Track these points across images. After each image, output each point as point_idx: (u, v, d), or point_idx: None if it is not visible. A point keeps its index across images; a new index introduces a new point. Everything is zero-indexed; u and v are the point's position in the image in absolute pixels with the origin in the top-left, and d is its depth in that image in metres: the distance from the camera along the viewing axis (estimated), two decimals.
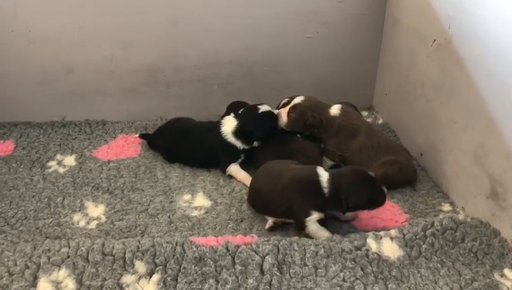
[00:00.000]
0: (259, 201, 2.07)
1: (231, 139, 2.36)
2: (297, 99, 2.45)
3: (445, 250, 1.85)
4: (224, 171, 2.38)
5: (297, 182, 1.95)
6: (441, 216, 2.03)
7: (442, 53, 2.28)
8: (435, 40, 2.33)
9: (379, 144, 2.36)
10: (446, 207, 2.20)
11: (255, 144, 2.38)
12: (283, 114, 2.43)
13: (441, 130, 2.32)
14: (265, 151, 2.37)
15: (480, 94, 2.00)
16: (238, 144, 2.36)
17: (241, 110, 2.42)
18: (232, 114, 2.41)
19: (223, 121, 2.41)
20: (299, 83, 2.68)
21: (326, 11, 2.80)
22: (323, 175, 1.91)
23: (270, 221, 2.04)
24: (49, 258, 1.70)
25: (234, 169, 2.37)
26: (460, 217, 1.98)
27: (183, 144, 2.43)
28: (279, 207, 1.95)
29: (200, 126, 2.49)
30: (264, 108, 2.37)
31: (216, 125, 2.40)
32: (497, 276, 1.76)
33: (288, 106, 2.44)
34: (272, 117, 2.38)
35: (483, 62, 1.98)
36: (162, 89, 2.86)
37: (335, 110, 2.45)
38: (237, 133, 2.35)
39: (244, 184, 2.32)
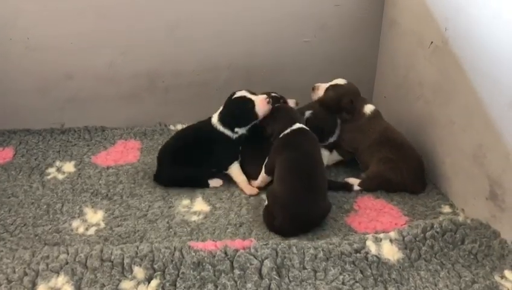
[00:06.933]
0: None
1: (220, 127, 2.33)
2: (340, 81, 2.45)
3: (445, 252, 1.85)
4: (226, 168, 2.36)
5: None
6: (441, 218, 2.02)
7: (440, 55, 2.28)
8: (432, 42, 2.33)
9: (388, 141, 2.35)
10: (446, 209, 2.20)
11: (238, 131, 2.32)
12: (321, 89, 2.43)
13: (439, 131, 2.32)
14: (249, 150, 2.38)
15: (478, 95, 2.00)
16: (227, 132, 2.33)
17: None
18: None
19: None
20: (298, 87, 2.67)
21: (323, 15, 2.81)
22: None
23: None
24: (47, 264, 1.70)
25: (236, 168, 2.36)
26: (460, 218, 1.98)
27: (197, 154, 2.34)
28: None
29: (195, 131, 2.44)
30: (239, 93, 2.32)
31: (208, 120, 2.39)
32: (497, 278, 1.75)
33: (328, 84, 2.44)
34: (245, 101, 2.29)
35: (480, 63, 1.98)
36: (161, 94, 2.87)
37: (368, 109, 2.43)
38: (221, 119, 2.34)
39: (241, 188, 2.33)
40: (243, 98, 2.30)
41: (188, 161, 2.33)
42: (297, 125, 2.21)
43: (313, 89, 2.48)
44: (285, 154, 2.12)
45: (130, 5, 2.63)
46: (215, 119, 2.35)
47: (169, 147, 2.41)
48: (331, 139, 2.50)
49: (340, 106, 2.41)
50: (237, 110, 2.29)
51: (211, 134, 2.34)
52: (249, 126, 2.34)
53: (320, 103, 2.45)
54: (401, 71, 2.68)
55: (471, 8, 2.03)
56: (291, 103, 2.53)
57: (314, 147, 2.17)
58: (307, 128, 2.23)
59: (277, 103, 2.43)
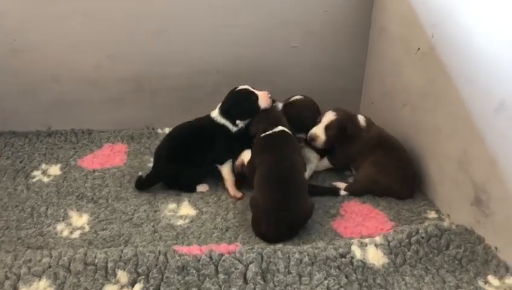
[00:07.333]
0: None
1: (220, 119, 2.35)
2: (331, 116, 2.41)
3: (430, 257, 1.86)
4: (222, 162, 2.36)
5: None
6: (426, 223, 2.03)
7: (427, 61, 2.29)
8: (419, 49, 2.35)
9: (381, 144, 2.37)
10: (432, 214, 2.21)
11: (239, 124, 2.35)
12: (320, 134, 2.40)
13: (426, 138, 2.34)
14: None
15: (464, 101, 2.02)
16: (228, 124, 2.35)
17: None
18: None
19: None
20: (286, 92, 2.67)
21: (312, 21, 2.82)
22: None
23: None
24: (29, 268, 1.68)
25: (229, 166, 2.36)
26: (445, 224, 1.98)
27: (195, 151, 2.33)
28: None
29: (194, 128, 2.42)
30: (241, 87, 2.37)
31: (206, 116, 2.41)
32: (481, 283, 1.76)
33: (322, 125, 2.40)
34: (248, 93, 2.35)
35: (466, 70, 2.00)
36: (148, 97, 2.86)
37: (362, 121, 2.45)
38: (222, 111, 2.36)
39: (227, 187, 2.34)
40: (247, 90, 2.36)
41: (185, 158, 2.31)
42: (280, 128, 2.23)
43: (312, 139, 2.41)
44: (263, 158, 2.14)
45: (117, 8, 2.62)
46: (215, 113, 2.37)
47: (166, 145, 2.39)
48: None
49: (346, 136, 2.40)
50: (241, 102, 2.34)
51: (210, 128, 2.35)
52: (248, 120, 2.36)
53: (327, 144, 2.41)
54: (388, 77, 2.69)
55: (458, 15, 2.05)
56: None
57: (292, 150, 2.18)
58: (288, 131, 2.25)
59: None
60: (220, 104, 2.39)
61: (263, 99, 2.34)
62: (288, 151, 2.16)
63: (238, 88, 2.38)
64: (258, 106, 2.34)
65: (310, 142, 2.43)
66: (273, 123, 2.25)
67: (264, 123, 2.27)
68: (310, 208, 2.07)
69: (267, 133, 2.23)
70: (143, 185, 2.33)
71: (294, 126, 2.37)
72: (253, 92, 2.35)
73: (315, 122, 2.46)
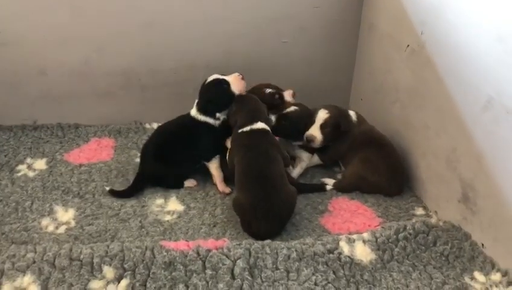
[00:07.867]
0: None
1: (201, 117, 2.30)
2: (323, 114, 2.39)
3: (417, 254, 1.86)
4: (209, 159, 2.32)
5: None
6: (414, 220, 2.04)
7: (416, 58, 2.30)
8: (408, 46, 2.35)
9: (370, 141, 2.38)
10: (419, 211, 2.22)
11: (220, 116, 2.29)
12: (315, 134, 2.37)
13: (414, 135, 2.34)
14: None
15: (452, 99, 2.02)
16: (209, 120, 2.30)
17: None
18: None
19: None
20: None
21: (302, 16, 2.80)
22: None
23: None
24: (13, 263, 1.65)
25: (216, 162, 2.32)
26: (433, 220, 2.00)
27: (181, 151, 2.30)
28: None
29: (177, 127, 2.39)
30: (211, 78, 2.31)
31: (187, 115, 2.36)
32: (467, 279, 1.77)
33: (317, 125, 2.38)
34: (219, 83, 2.28)
35: (455, 68, 2.00)
36: (137, 92, 2.82)
37: (353, 116, 2.46)
38: (201, 109, 2.30)
39: (215, 184, 2.33)
40: (217, 80, 2.29)
41: (172, 158, 2.28)
42: (258, 125, 2.18)
43: (310, 141, 2.39)
44: (240, 157, 2.11)
45: (106, 1, 2.58)
46: (194, 111, 2.32)
47: (152, 143, 2.35)
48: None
49: (340, 133, 2.40)
50: (215, 94, 2.28)
51: (193, 127, 2.30)
52: (228, 109, 2.30)
53: (324, 143, 2.40)
54: (378, 74, 2.69)
55: (447, 13, 2.05)
56: (287, 94, 2.52)
57: (269, 145, 2.13)
58: (266, 128, 2.19)
59: (272, 98, 2.45)
60: (196, 101, 2.34)
61: (235, 84, 2.27)
62: (264, 148, 2.11)
63: (207, 80, 2.31)
64: (232, 93, 2.27)
65: (308, 143, 2.41)
66: (252, 118, 2.19)
67: (242, 117, 2.20)
68: (292, 195, 2.06)
69: (244, 130, 2.16)
70: (130, 192, 2.25)
71: (291, 137, 2.38)
72: (224, 80, 2.28)
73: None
